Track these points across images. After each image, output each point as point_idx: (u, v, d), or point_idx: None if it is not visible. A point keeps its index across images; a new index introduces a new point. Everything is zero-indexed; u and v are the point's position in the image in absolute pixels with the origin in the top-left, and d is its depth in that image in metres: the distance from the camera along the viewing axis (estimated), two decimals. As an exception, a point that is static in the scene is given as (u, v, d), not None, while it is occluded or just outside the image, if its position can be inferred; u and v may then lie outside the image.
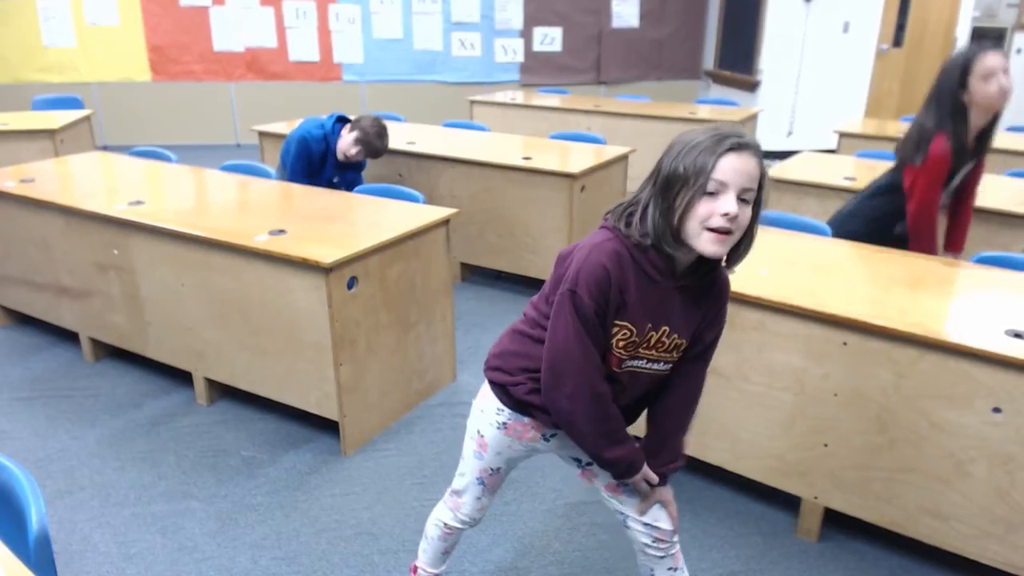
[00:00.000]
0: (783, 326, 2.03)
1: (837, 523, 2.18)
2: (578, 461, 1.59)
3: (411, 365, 2.80)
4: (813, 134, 6.72)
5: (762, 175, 1.29)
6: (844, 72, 6.99)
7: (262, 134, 4.63)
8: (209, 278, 2.63)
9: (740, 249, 1.34)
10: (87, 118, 4.99)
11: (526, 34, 7.72)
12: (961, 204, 2.68)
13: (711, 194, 1.26)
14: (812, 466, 2.09)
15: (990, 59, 2.44)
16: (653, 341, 1.39)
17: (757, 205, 1.31)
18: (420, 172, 4.06)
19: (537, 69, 7.81)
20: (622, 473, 1.47)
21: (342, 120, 3.62)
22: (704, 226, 1.26)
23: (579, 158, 3.85)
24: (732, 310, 2.09)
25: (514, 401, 1.52)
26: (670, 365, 1.45)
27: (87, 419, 2.80)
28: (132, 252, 2.82)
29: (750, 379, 2.13)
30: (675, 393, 1.50)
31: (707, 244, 1.27)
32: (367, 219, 2.82)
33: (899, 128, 4.77)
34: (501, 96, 6.17)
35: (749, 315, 2.08)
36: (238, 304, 2.59)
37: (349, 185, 3.64)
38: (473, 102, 6.04)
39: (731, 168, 1.25)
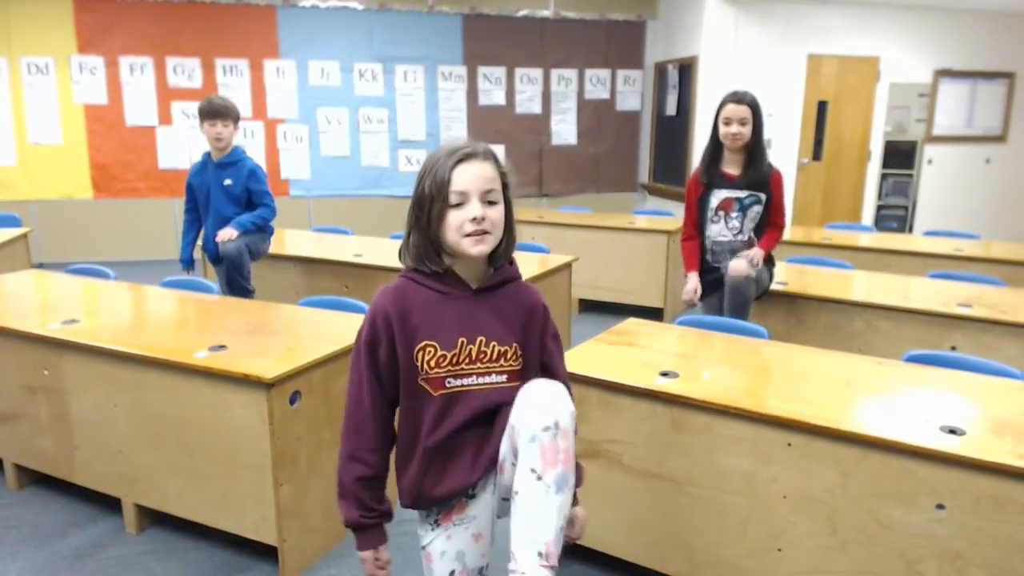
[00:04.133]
0: (729, 429, 2.05)
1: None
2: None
3: (356, 482, 2.70)
4: (746, 241, 7.02)
5: (502, 174, 1.43)
6: (770, 183, 7.41)
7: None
8: (144, 398, 2.53)
9: (503, 245, 1.47)
10: (24, 236, 4.90)
11: (470, 151, 8.01)
12: (762, 232, 3.24)
13: (457, 205, 1.39)
14: (768, 572, 2.06)
15: (728, 108, 3.02)
16: (475, 353, 1.42)
17: (507, 203, 1.45)
18: (367, 283, 4.07)
19: (481, 183, 8.06)
20: (344, 517, 1.53)
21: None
22: (461, 233, 1.39)
23: (524, 267, 3.88)
24: (678, 413, 2.12)
25: (411, 492, 1.49)
26: (505, 376, 1.45)
27: (7, 552, 2.59)
28: (64, 372, 2.70)
29: (700, 484, 2.12)
30: None
31: (469, 247, 1.40)
32: (311, 332, 2.78)
33: (824, 235, 5.05)
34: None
35: (695, 418, 2.10)
36: (173, 424, 2.49)
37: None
38: (419, 215, 6.15)
39: (467, 177, 1.38)
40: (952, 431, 1.85)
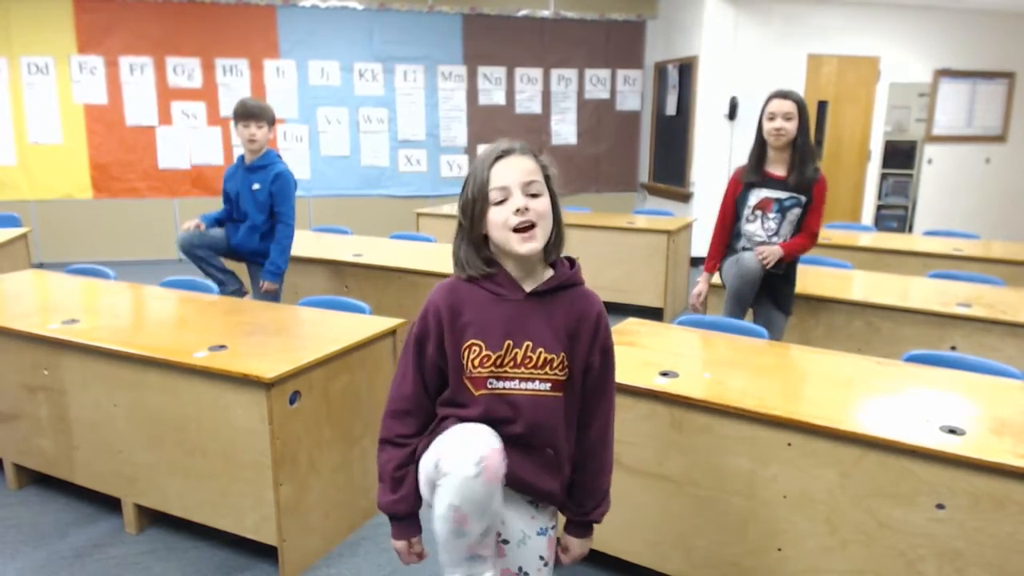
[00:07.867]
0: (729, 428, 2.05)
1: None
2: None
3: (355, 482, 2.71)
4: (746, 241, 7.02)
5: (542, 167, 1.42)
6: (771, 183, 7.41)
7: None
8: (144, 398, 2.53)
9: (553, 239, 1.44)
10: (23, 236, 4.90)
11: (471, 151, 8.02)
12: (796, 235, 3.13)
13: (500, 202, 1.37)
14: (768, 572, 2.06)
15: (773, 103, 2.96)
16: (520, 358, 1.40)
17: (553, 195, 1.43)
18: (367, 283, 4.07)
19: (481, 183, 8.06)
20: (378, 501, 1.52)
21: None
22: (508, 229, 1.37)
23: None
24: (679, 413, 2.12)
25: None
26: (549, 384, 1.41)
27: (7, 551, 2.59)
28: (63, 372, 2.70)
29: (700, 484, 2.12)
30: (587, 432, 1.49)
31: (517, 245, 1.37)
32: (311, 332, 2.78)
33: (824, 235, 5.04)
34: (447, 208, 6.31)
35: (696, 418, 2.10)
36: (173, 424, 2.49)
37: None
38: (420, 214, 6.16)
39: (504, 173, 1.38)
40: (952, 431, 1.85)
